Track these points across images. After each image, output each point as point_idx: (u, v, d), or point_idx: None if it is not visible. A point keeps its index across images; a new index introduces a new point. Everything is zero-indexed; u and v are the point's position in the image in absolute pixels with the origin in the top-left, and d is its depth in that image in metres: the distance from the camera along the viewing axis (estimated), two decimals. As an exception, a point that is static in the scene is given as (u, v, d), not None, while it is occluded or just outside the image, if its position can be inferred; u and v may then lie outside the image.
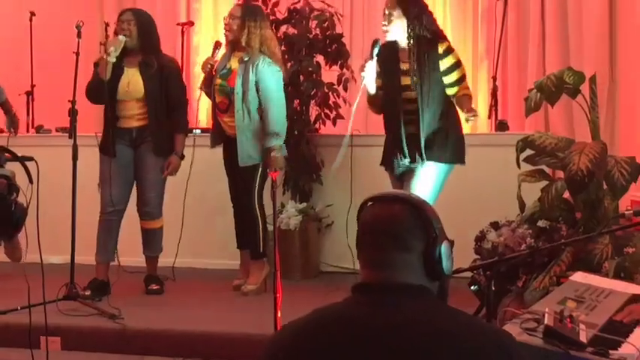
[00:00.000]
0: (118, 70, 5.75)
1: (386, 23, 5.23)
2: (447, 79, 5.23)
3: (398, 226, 2.07)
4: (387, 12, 5.23)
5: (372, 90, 5.32)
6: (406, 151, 5.22)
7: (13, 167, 3.00)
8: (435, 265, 2.07)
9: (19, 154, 3.00)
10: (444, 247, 2.08)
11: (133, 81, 5.78)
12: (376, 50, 5.22)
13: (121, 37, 5.73)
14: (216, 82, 5.91)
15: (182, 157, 5.90)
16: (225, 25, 5.89)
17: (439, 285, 2.11)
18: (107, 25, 7.35)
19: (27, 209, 2.90)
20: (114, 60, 5.68)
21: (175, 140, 5.87)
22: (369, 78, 5.24)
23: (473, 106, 5.27)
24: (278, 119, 5.75)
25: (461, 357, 1.90)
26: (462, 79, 5.28)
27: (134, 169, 5.85)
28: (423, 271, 2.06)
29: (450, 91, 5.24)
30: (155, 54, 5.86)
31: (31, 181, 2.99)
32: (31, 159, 2.99)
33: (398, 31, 5.22)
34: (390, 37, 5.25)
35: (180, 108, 5.92)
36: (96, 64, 5.81)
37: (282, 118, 5.79)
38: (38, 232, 3.27)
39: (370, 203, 2.14)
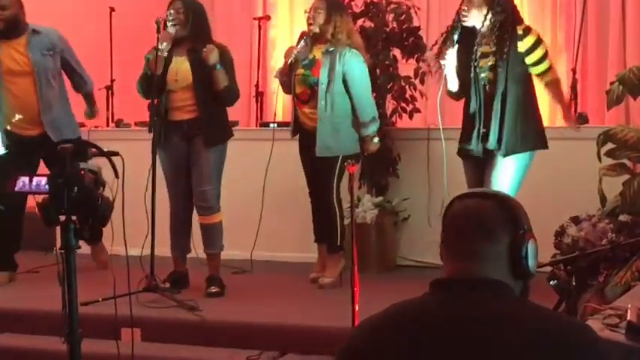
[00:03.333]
0: (166, 60, 5.63)
1: (466, 8, 5.20)
2: (530, 59, 5.19)
3: (487, 218, 2.06)
4: None
5: (454, 87, 5.31)
6: (481, 133, 5.19)
7: (98, 162, 3.05)
8: (521, 261, 2.05)
9: (105, 149, 3.05)
10: (531, 245, 2.07)
11: (181, 70, 5.63)
12: (456, 37, 5.19)
13: (170, 30, 5.59)
14: (298, 72, 5.90)
15: (215, 64, 5.53)
16: (310, 17, 5.87)
17: (522, 284, 2.10)
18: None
19: (113, 203, 2.95)
20: (165, 54, 5.58)
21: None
22: (450, 67, 5.22)
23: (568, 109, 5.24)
24: (372, 105, 5.89)
25: (542, 352, 1.88)
26: (544, 57, 5.22)
27: (189, 163, 5.71)
28: (508, 268, 2.05)
29: (535, 70, 5.22)
30: (205, 41, 5.65)
31: (117, 176, 3.04)
32: (116, 154, 3.04)
33: (476, 17, 5.19)
34: (469, 23, 5.21)
35: (232, 86, 5.68)
36: (147, 60, 5.69)
37: (374, 104, 5.92)
38: (124, 226, 3.32)
39: (457, 201, 2.14)
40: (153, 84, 5.56)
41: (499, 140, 5.15)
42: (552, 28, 7.84)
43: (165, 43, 5.56)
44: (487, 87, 5.19)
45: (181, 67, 5.64)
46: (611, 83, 5.33)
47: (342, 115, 5.81)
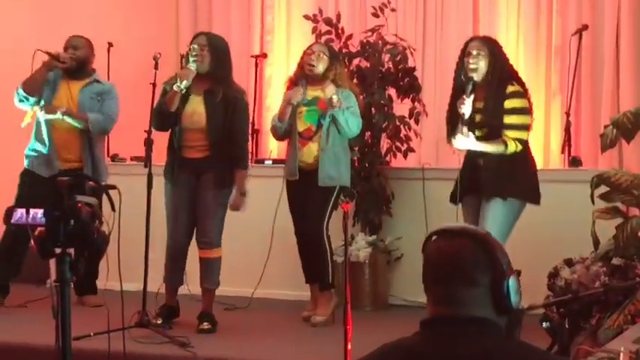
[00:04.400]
0: (183, 96, 5.63)
1: (474, 62, 5.32)
2: (507, 119, 5.30)
3: (463, 261, 2.07)
4: (474, 52, 5.33)
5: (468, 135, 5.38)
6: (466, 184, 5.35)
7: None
8: (503, 299, 2.05)
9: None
10: (511, 281, 2.07)
11: (197, 111, 5.65)
12: (470, 87, 5.28)
13: (192, 66, 5.55)
14: (300, 110, 5.94)
15: (244, 194, 5.77)
16: (312, 60, 5.90)
17: (508, 319, 2.10)
18: (182, 56, 7.44)
19: (109, 237, 2.96)
20: (184, 91, 5.58)
21: (237, 177, 5.72)
22: (466, 117, 5.32)
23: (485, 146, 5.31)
24: (352, 129, 5.90)
25: None
26: (518, 127, 5.30)
27: (195, 198, 5.72)
28: (491, 306, 2.06)
29: (508, 134, 5.28)
30: (224, 83, 5.68)
31: (113, 209, 3.04)
32: (114, 187, 3.05)
33: (482, 69, 5.33)
34: (475, 75, 5.32)
35: (241, 142, 5.76)
36: (164, 90, 5.71)
37: (354, 130, 5.92)
38: (119, 260, 3.32)
39: (434, 238, 2.14)
40: (170, 120, 5.64)
41: (491, 187, 5.26)
42: (547, 70, 7.89)
43: (185, 82, 5.55)
44: (481, 140, 5.33)
45: (197, 108, 5.66)
46: (605, 127, 5.36)
47: (340, 146, 5.92)
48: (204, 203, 5.69)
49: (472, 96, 5.31)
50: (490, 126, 5.29)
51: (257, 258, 6.51)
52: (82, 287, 6.32)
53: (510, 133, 5.29)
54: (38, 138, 6.22)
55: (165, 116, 5.63)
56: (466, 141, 5.30)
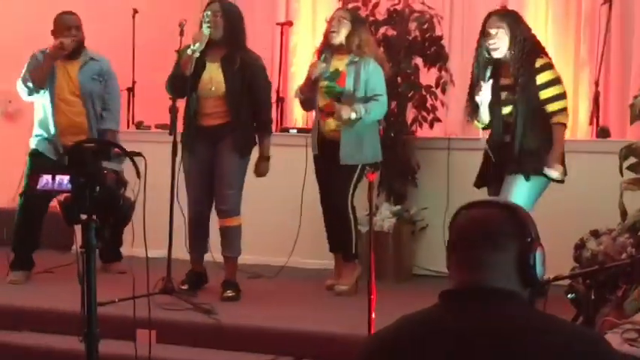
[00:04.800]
0: (200, 63, 5.60)
1: (495, 41, 5.24)
2: (543, 94, 5.24)
3: (493, 227, 2.05)
4: (493, 31, 5.24)
5: (486, 119, 5.34)
6: (498, 158, 5.28)
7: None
8: (529, 269, 2.04)
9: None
10: (538, 253, 2.06)
11: (215, 77, 5.63)
12: (489, 73, 5.25)
13: (205, 31, 5.53)
14: (322, 84, 5.89)
15: (268, 159, 5.80)
16: (333, 26, 5.86)
17: (531, 292, 2.08)
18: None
19: (134, 204, 2.96)
20: (198, 55, 5.54)
21: (261, 142, 5.75)
22: (485, 102, 5.28)
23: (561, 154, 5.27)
24: (380, 116, 5.86)
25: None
26: (558, 97, 5.25)
27: (212, 167, 5.72)
28: (517, 276, 2.04)
29: (547, 108, 5.26)
30: (240, 50, 5.67)
31: (139, 176, 3.04)
32: (139, 154, 3.04)
33: (503, 48, 5.25)
34: (498, 55, 5.27)
35: (264, 108, 5.78)
36: (179, 56, 5.70)
37: (382, 115, 5.88)
38: (144, 228, 3.31)
39: (464, 210, 2.13)
40: (186, 85, 5.55)
41: (520, 164, 5.21)
42: (576, 40, 7.81)
43: (198, 44, 5.53)
44: (509, 117, 5.28)
45: (215, 76, 5.64)
46: (635, 97, 5.31)
47: (364, 125, 5.79)
48: (223, 171, 5.68)
49: (490, 81, 5.25)
50: (521, 103, 5.21)
51: (285, 227, 6.51)
52: (107, 254, 6.36)
53: (553, 106, 5.24)
54: (43, 124, 6.16)
55: (180, 80, 5.58)
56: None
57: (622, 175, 5.17)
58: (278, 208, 6.65)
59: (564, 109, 5.29)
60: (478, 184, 5.51)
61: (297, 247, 6.65)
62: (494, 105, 5.30)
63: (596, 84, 6.95)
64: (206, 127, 5.71)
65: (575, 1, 7.80)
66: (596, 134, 6.68)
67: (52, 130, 6.12)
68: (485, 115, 5.32)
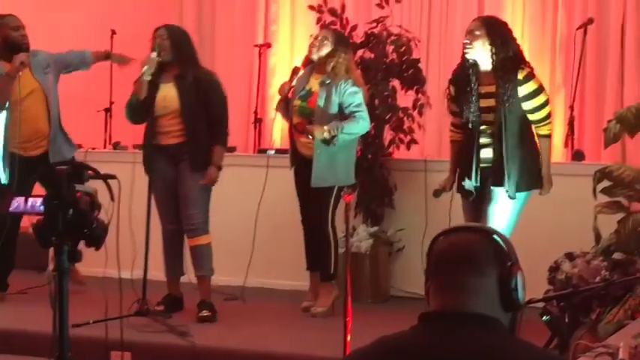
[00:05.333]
0: (154, 87, 5.69)
1: (469, 41, 5.19)
2: (527, 105, 5.19)
3: (473, 251, 2.06)
4: (470, 30, 5.21)
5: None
6: (478, 174, 5.20)
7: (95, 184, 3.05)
8: (511, 293, 2.04)
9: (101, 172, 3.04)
10: (519, 278, 2.06)
11: (168, 96, 5.68)
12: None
13: (153, 55, 5.65)
14: (295, 103, 5.92)
15: (219, 168, 5.75)
16: (314, 45, 5.87)
17: (512, 316, 2.09)
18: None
19: (108, 226, 2.95)
20: (149, 78, 5.63)
21: (213, 151, 5.74)
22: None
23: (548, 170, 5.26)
24: (361, 133, 5.85)
25: None
26: (543, 105, 5.23)
27: (177, 187, 5.75)
28: (498, 301, 2.05)
29: (532, 117, 5.22)
30: (191, 67, 5.76)
31: (112, 199, 3.03)
32: (113, 177, 3.04)
33: (480, 52, 5.18)
34: (470, 56, 5.21)
35: (220, 121, 5.79)
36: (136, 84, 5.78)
37: (363, 132, 5.89)
38: (118, 249, 3.31)
39: (443, 236, 2.13)
40: (140, 110, 5.65)
41: (501, 180, 5.16)
42: (551, 64, 7.87)
43: (147, 67, 5.62)
44: (487, 126, 5.22)
45: (169, 93, 5.70)
46: (609, 121, 5.35)
47: (337, 146, 5.76)
48: (186, 192, 5.72)
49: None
50: (505, 114, 5.14)
51: (260, 248, 6.50)
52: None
53: (536, 116, 5.21)
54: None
55: (136, 106, 5.68)
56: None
57: (595, 197, 5.20)
58: (255, 229, 6.63)
59: (548, 117, 5.26)
60: (458, 189, 5.42)
61: (272, 268, 6.65)
62: (472, 113, 5.22)
63: (572, 108, 6.99)
64: (165, 146, 5.75)
65: (550, 25, 7.86)
66: (571, 157, 6.72)
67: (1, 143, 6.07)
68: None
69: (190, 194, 5.72)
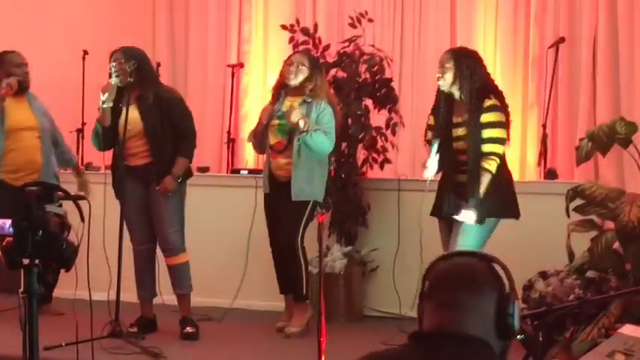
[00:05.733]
0: (117, 110, 5.70)
1: (440, 74, 5.31)
2: (484, 134, 5.23)
3: (475, 271, 2.08)
4: (441, 63, 5.32)
5: (430, 176, 5.37)
6: (452, 200, 5.24)
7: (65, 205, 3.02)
8: (506, 319, 2.04)
9: (72, 193, 3.02)
10: (516, 306, 2.07)
11: (131, 117, 5.67)
12: (435, 148, 5.27)
13: (112, 81, 5.67)
14: (272, 123, 5.91)
15: (178, 178, 5.73)
16: (291, 72, 5.86)
17: (504, 344, 2.08)
18: (159, 65, 7.41)
19: (78, 248, 2.92)
20: (111, 104, 5.66)
21: (175, 162, 5.73)
22: (430, 174, 5.33)
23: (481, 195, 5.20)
24: (322, 149, 5.81)
25: None
26: (493, 141, 5.23)
27: (149, 206, 5.77)
28: (493, 326, 2.04)
29: (484, 148, 5.23)
30: (151, 86, 5.78)
31: (82, 220, 3.01)
32: (84, 198, 3.02)
33: (450, 84, 5.29)
34: (443, 88, 5.32)
35: (186, 135, 5.80)
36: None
37: (325, 150, 5.84)
38: (88, 270, 3.28)
39: (443, 260, 2.14)
40: (104, 135, 5.67)
41: (471, 205, 5.19)
42: (523, 82, 7.90)
43: (107, 94, 5.65)
44: (460, 154, 5.29)
45: (131, 115, 5.68)
46: (581, 140, 5.38)
47: (316, 160, 5.82)
48: (160, 213, 5.75)
49: (437, 157, 5.28)
50: (472, 142, 5.20)
51: (233, 269, 6.47)
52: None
53: (485, 147, 5.23)
54: None
55: (102, 134, 5.69)
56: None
57: (569, 216, 5.22)
58: (227, 249, 6.61)
59: (495, 154, 5.21)
60: (433, 212, 5.50)
61: (249, 289, 6.61)
62: (446, 142, 5.30)
63: (544, 126, 7.03)
64: (133, 167, 5.77)
65: (522, 43, 7.89)
66: (544, 176, 6.74)
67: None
68: (431, 172, 5.34)
69: (163, 215, 5.74)
